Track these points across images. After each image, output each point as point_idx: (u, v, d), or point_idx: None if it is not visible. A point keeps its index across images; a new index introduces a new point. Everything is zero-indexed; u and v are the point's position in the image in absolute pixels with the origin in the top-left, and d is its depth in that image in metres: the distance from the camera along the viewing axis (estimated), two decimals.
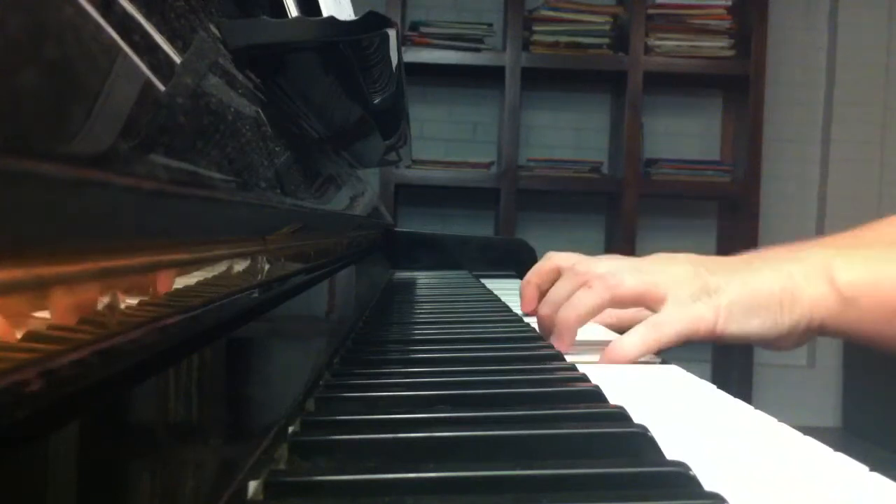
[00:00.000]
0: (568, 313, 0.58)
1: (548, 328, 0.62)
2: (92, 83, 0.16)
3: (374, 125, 0.75)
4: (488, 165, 2.78)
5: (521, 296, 0.79)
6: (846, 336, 0.56)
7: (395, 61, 0.58)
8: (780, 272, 0.55)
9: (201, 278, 0.24)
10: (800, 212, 2.96)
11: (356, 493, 0.29)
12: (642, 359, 0.57)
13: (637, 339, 0.55)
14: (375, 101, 0.64)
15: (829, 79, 2.98)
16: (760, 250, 0.60)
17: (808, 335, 0.55)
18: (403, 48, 2.20)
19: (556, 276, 0.77)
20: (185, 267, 0.22)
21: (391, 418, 0.38)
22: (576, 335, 0.60)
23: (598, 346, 0.59)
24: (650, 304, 0.57)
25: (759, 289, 0.54)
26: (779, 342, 0.55)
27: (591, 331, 0.71)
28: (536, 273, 0.77)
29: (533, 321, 0.75)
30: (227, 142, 0.28)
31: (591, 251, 0.86)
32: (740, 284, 0.55)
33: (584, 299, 0.58)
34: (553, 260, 0.76)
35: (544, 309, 0.63)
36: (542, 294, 0.80)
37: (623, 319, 0.69)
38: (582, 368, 0.49)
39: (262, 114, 0.37)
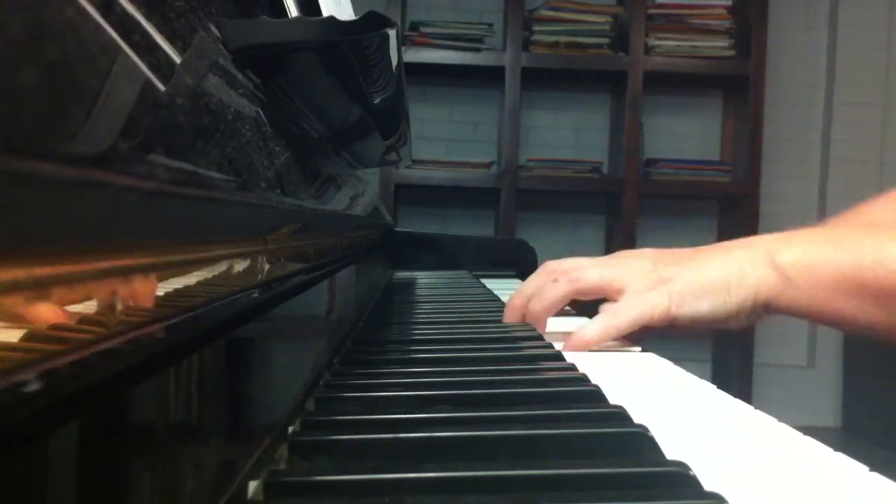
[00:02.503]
0: (536, 305, 0.66)
1: (517, 318, 0.69)
2: (92, 83, 0.16)
3: (374, 125, 0.75)
4: (488, 165, 2.78)
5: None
6: (790, 313, 0.61)
7: (395, 61, 0.58)
8: (729, 258, 0.61)
9: (201, 278, 0.24)
10: (800, 212, 2.96)
11: (356, 493, 0.29)
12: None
13: (598, 326, 0.60)
14: (375, 101, 0.64)
15: (829, 79, 2.98)
16: (713, 245, 0.67)
17: (756, 314, 0.61)
18: (403, 48, 2.20)
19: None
20: (185, 267, 0.22)
21: (391, 418, 0.38)
22: (545, 324, 0.67)
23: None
24: (611, 295, 0.63)
25: (707, 275, 0.60)
26: (728, 322, 0.61)
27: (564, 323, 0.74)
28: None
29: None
30: (227, 142, 0.28)
31: (591, 251, 0.87)
32: (691, 272, 0.61)
33: (552, 291, 0.66)
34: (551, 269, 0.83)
35: (516, 299, 0.69)
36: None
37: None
38: (582, 367, 0.49)
39: (262, 114, 0.37)
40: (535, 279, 0.70)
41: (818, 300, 0.58)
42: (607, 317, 0.61)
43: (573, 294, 0.65)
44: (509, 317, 0.70)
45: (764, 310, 0.60)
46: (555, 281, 0.66)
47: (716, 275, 0.60)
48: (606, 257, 0.69)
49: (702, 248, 0.65)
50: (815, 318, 0.61)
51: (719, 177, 2.80)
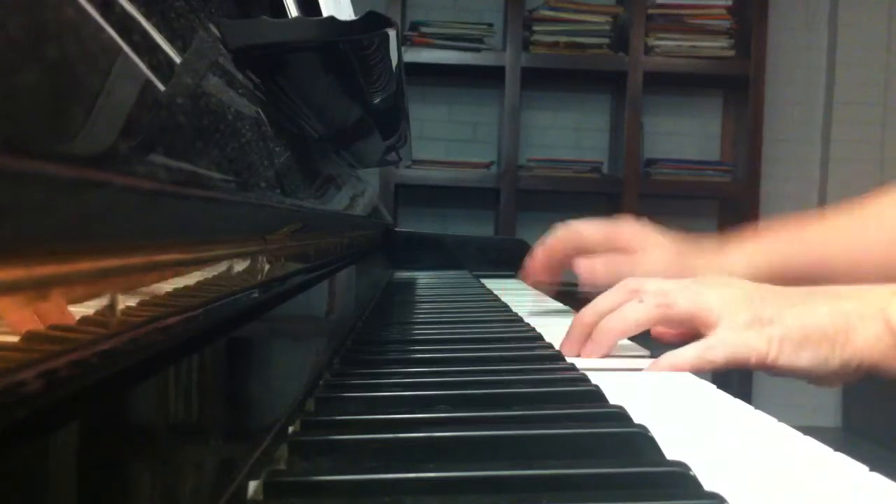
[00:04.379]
0: (614, 323, 0.58)
1: (584, 334, 0.60)
2: (92, 83, 0.16)
3: (374, 125, 0.75)
4: (488, 165, 2.78)
5: (531, 261, 0.85)
6: None
7: (395, 61, 0.58)
8: (836, 309, 0.54)
9: (201, 278, 0.24)
10: (800, 212, 2.95)
11: (356, 493, 0.29)
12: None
13: (693, 354, 0.54)
14: (375, 101, 0.64)
15: (829, 79, 2.98)
16: (817, 287, 0.59)
17: (858, 374, 0.55)
18: (403, 48, 2.20)
19: (576, 243, 0.81)
20: (185, 267, 0.22)
21: (391, 418, 0.38)
22: (614, 346, 0.59)
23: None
24: (700, 326, 0.56)
25: (812, 325, 0.54)
26: (827, 379, 0.55)
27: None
28: (550, 250, 0.82)
29: (533, 320, 0.75)
30: (227, 142, 0.28)
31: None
32: (794, 318, 0.54)
33: (634, 312, 0.57)
34: (573, 233, 0.81)
35: (587, 316, 0.60)
36: (552, 263, 0.83)
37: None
38: (582, 367, 0.49)
39: (262, 114, 0.37)
40: (611, 295, 0.60)
41: None
42: (702, 348, 0.54)
43: (660, 320, 0.58)
44: (576, 334, 0.60)
45: (869, 371, 0.54)
46: (640, 301, 0.58)
47: (821, 327, 0.54)
48: (692, 280, 0.61)
49: (800, 289, 0.58)
50: None
51: (719, 177, 2.80)
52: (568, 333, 0.61)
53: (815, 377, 0.55)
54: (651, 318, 0.57)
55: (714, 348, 0.54)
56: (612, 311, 0.59)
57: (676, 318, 0.57)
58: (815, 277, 0.61)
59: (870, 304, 0.54)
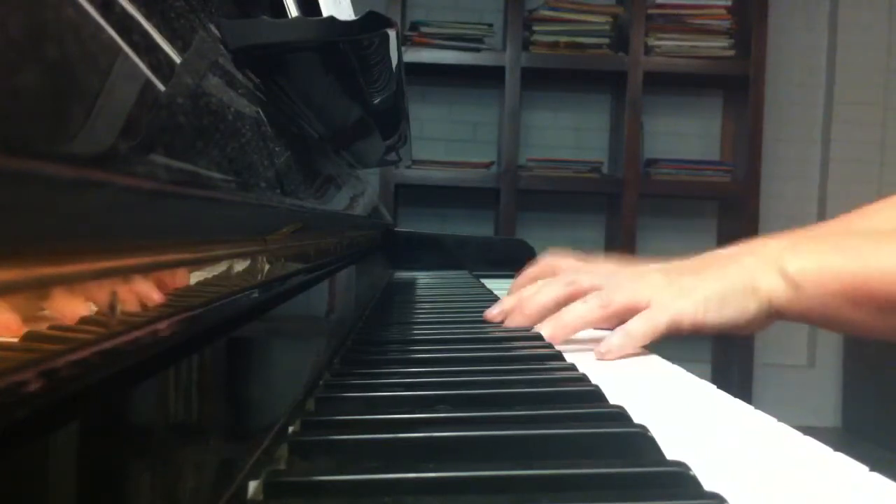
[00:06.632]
0: (568, 320, 0.63)
1: (518, 314, 0.68)
2: (92, 83, 0.16)
3: (374, 125, 0.75)
4: (488, 165, 2.78)
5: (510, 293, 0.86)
6: (799, 320, 0.62)
7: (395, 61, 0.58)
8: (741, 266, 0.62)
9: (201, 278, 0.24)
10: (800, 212, 2.96)
11: (356, 493, 0.29)
12: (638, 353, 0.60)
13: (640, 327, 0.60)
14: (375, 101, 0.64)
15: (829, 79, 2.98)
16: (715, 251, 0.67)
17: (768, 320, 0.62)
18: (403, 48, 2.20)
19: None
20: (185, 267, 0.22)
21: (391, 418, 0.38)
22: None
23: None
24: (639, 312, 0.62)
25: (726, 283, 0.61)
26: (748, 327, 0.62)
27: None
28: (530, 278, 0.83)
29: None
30: (227, 142, 0.28)
31: (591, 251, 0.88)
32: (711, 281, 0.62)
33: (579, 312, 0.63)
34: (551, 265, 0.85)
35: (529, 308, 0.67)
36: None
37: None
38: (582, 367, 0.49)
39: (262, 114, 0.37)
40: (550, 289, 0.67)
41: (827, 309, 0.60)
42: (645, 318, 0.60)
43: (603, 320, 0.63)
44: (515, 317, 0.68)
45: (777, 316, 0.62)
46: (584, 302, 0.63)
47: (735, 282, 0.61)
48: (616, 277, 0.66)
49: (704, 257, 0.66)
50: (822, 325, 0.62)
51: (719, 177, 2.80)
52: (505, 310, 0.70)
53: (738, 327, 0.62)
54: (595, 318, 0.63)
55: (655, 316, 0.60)
56: (552, 303, 0.66)
57: (616, 314, 0.62)
58: None
59: (766, 257, 0.62)
